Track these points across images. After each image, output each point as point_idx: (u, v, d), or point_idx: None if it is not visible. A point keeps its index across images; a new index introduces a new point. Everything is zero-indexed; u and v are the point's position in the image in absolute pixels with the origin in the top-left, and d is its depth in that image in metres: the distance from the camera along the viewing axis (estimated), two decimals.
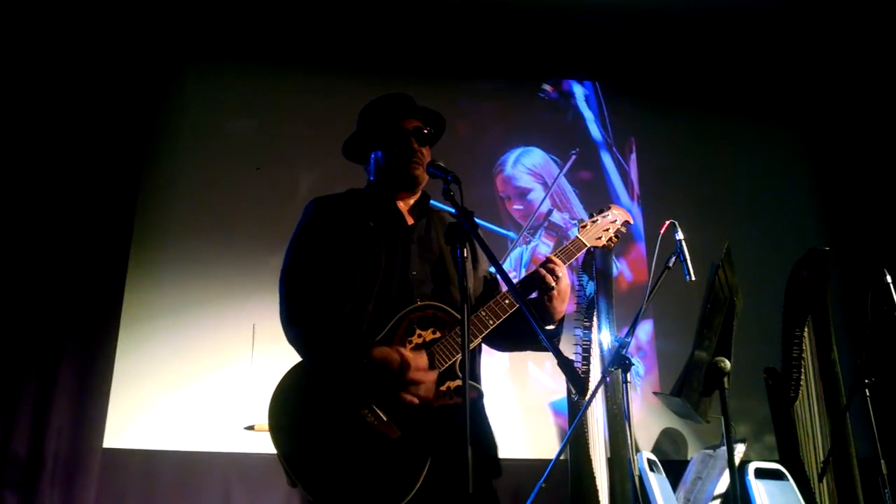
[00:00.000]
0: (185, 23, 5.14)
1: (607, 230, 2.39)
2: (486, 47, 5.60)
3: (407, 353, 2.03)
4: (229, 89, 5.22)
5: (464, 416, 1.73)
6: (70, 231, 4.50)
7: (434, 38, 5.53)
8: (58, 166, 4.60)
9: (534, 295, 2.22)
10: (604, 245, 2.40)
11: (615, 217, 2.42)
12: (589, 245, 2.35)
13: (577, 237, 2.35)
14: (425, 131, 2.34)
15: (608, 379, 3.74)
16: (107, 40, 4.86)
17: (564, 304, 2.24)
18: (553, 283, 2.18)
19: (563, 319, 2.28)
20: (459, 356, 2.07)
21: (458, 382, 2.05)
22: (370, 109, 2.42)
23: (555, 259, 2.23)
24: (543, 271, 2.19)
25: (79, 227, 4.52)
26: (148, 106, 4.93)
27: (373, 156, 2.40)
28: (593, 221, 2.41)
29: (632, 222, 2.50)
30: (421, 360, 2.04)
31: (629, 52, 5.83)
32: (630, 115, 5.82)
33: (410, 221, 2.34)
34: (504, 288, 2.22)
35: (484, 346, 2.30)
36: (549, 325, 2.24)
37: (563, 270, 2.22)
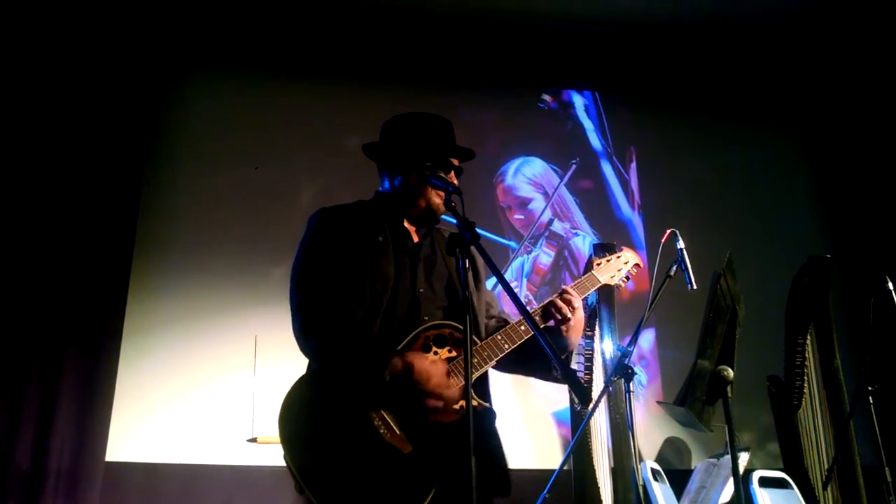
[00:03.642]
0: (187, 29, 5.15)
1: (620, 270, 2.50)
2: (487, 57, 5.62)
3: (424, 360, 2.05)
4: (231, 97, 5.23)
5: (477, 433, 1.75)
6: (72, 242, 4.50)
7: (435, 47, 5.55)
8: (60, 176, 4.60)
9: (550, 323, 2.28)
10: (615, 284, 2.50)
11: (627, 259, 2.53)
12: (603, 282, 2.44)
13: (592, 274, 2.43)
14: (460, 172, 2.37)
15: (611, 388, 3.74)
16: (109, 46, 4.87)
17: (579, 335, 2.31)
18: (570, 315, 2.24)
19: (572, 351, 2.36)
20: (475, 376, 2.09)
21: (474, 403, 2.05)
22: (416, 126, 2.37)
23: (570, 291, 2.29)
24: (560, 302, 2.25)
25: (80, 238, 4.52)
26: (150, 115, 4.94)
27: (403, 175, 2.33)
28: (607, 260, 2.51)
29: (642, 265, 2.60)
30: (441, 366, 2.07)
31: (628, 62, 5.85)
32: (630, 124, 5.84)
33: (416, 239, 2.34)
34: (512, 310, 2.27)
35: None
36: (561, 354, 2.26)
37: (579, 302, 2.28)
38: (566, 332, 2.26)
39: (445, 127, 2.39)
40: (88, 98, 4.77)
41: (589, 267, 2.52)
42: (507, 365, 2.30)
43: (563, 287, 2.31)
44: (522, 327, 2.20)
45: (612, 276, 2.47)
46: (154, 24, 5.03)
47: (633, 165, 5.72)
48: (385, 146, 2.39)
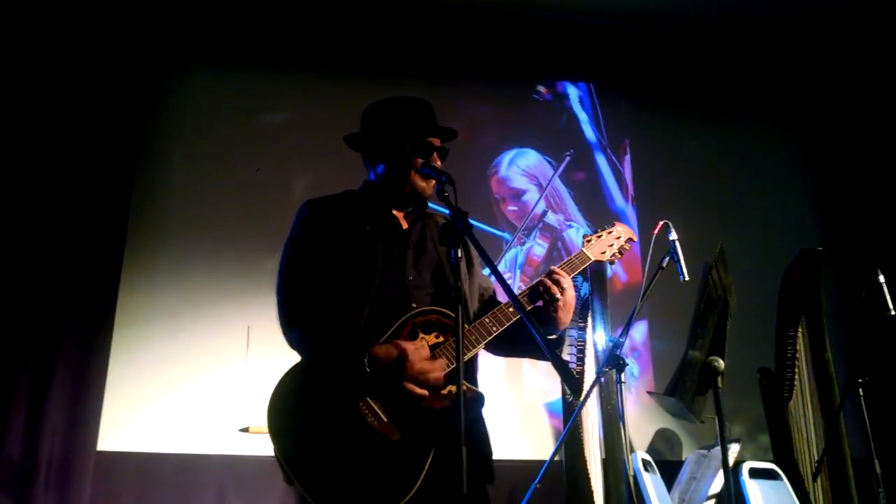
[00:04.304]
0: (182, 22, 5.13)
1: (612, 245, 2.43)
2: (481, 48, 5.60)
3: (408, 344, 2.03)
4: (225, 90, 5.20)
5: (467, 418, 1.74)
6: (64, 232, 4.49)
7: (430, 38, 5.53)
8: (52, 167, 4.58)
9: (539, 303, 2.24)
10: (608, 260, 2.42)
11: (619, 234, 2.46)
12: (594, 259, 2.38)
13: (583, 250, 2.38)
14: (444, 153, 2.34)
15: (603, 379, 3.75)
16: (104, 39, 4.85)
17: (569, 315, 2.26)
18: (559, 295, 2.20)
19: (565, 329, 2.30)
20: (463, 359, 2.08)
21: (462, 386, 2.05)
22: (393, 110, 2.35)
23: (559, 271, 2.25)
24: (549, 282, 2.21)
25: (72, 229, 4.50)
26: (143, 107, 4.92)
27: (386, 161, 2.32)
28: (598, 237, 2.44)
29: (635, 240, 2.52)
30: (423, 350, 2.05)
31: (623, 54, 5.84)
32: (624, 116, 5.83)
33: (405, 226, 2.33)
34: (505, 298, 2.23)
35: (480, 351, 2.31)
36: (552, 334, 2.26)
37: (568, 282, 2.23)
38: (555, 313, 2.21)
39: (423, 108, 2.35)
40: (81, 89, 4.74)
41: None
42: (501, 348, 2.30)
43: (552, 267, 2.26)
44: (511, 309, 2.16)
45: (604, 252, 2.40)
46: (149, 15, 5.00)
47: (628, 157, 5.71)
48: (365, 134, 2.38)
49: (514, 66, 5.69)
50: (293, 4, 5.33)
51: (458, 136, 2.39)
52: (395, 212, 2.34)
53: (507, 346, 2.30)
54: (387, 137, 2.32)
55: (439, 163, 2.30)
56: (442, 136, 2.35)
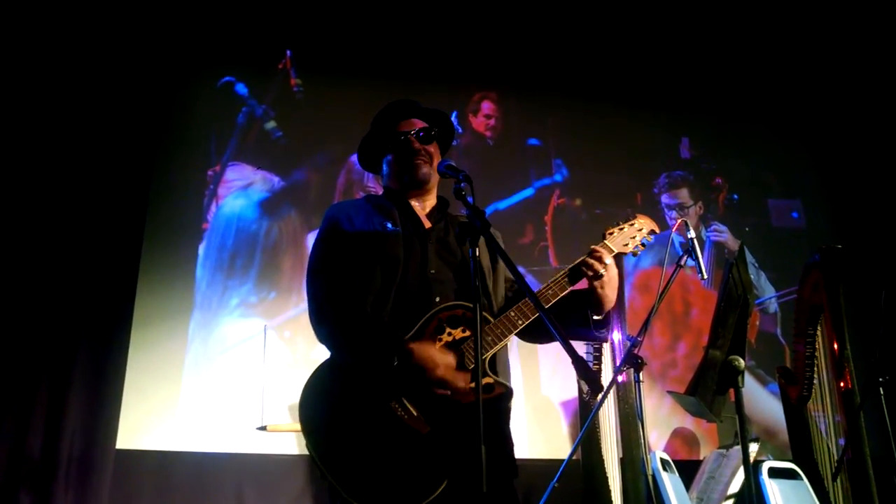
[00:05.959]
0: (201, 27, 5.16)
1: (634, 237, 2.41)
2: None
3: (435, 352, 2.06)
4: (242, 89, 5.24)
5: (492, 414, 1.75)
6: (82, 233, 4.52)
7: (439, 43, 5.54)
8: (70, 170, 4.61)
9: (583, 284, 2.24)
10: (630, 252, 2.41)
11: (641, 226, 2.44)
12: (616, 251, 2.36)
13: (605, 243, 2.35)
14: (422, 133, 2.40)
15: (620, 379, 3.73)
16: (121, 43, 4.88)
17: (614, 291, 2.26)
18: (602, 271, 2.20)
19: (610, 311, 2.30)
20: (489, 354, 2.11)
21: (489, 379, 2.08)
22: (377, 117, 2.50)
23: (600, 248, 2.26)
24: (591, 260, 2.22)
25: (91, 229, 4.54)
26: (160, 109, 4.95)
27: (384, 162, 2.46)
28: (620, 229, 2.41)
29: (658, 232, 2.49)
30: (449, 358, 2.06)
31: (620, 56, 5.78)
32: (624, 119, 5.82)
33: (428, 225, 2.37)
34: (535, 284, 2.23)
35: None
36: (598, 314, 2.27)
37: (610, 258, 2.24)
38: (601, 289, 2.21)
39: (398, 102, 2.48)
40: (99, 91, 4.77)
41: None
42: (533, 336, 2.31)
43: (592, 245, 2.26)
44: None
45: (626, 245, 2.38)
46: (170, 20, 5.04)
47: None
48: (365, 151, 2.53)
49: None
50: (305, 9, 5.34)
51: (443, 115, 2.49)
52: (417, 210, 2.39)
53: (539, 333, 2.30)
54: (375, 148, 2.48)
55: (417, 145, 2.38)
56: (426, 119, 2.44)
